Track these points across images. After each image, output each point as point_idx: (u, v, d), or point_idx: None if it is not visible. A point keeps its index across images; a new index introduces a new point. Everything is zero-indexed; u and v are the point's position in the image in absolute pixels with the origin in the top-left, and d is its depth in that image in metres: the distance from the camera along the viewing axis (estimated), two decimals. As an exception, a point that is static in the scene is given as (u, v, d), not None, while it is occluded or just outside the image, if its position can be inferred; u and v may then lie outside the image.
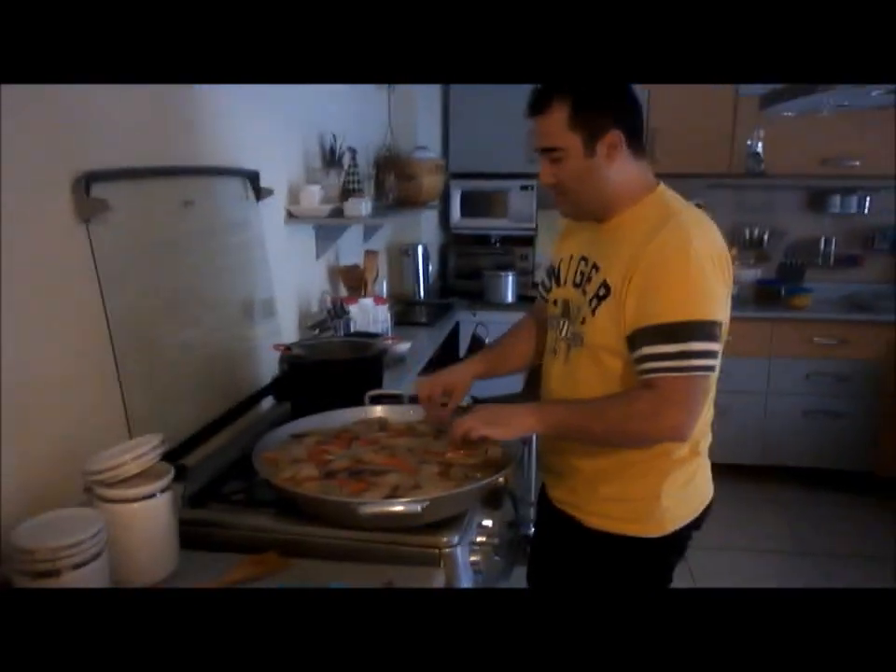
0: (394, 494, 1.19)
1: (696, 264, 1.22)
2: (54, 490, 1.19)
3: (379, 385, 1.77)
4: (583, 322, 1.35)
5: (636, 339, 1.25)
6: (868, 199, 3.92)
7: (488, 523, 1.38)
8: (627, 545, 1.37)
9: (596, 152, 1.30)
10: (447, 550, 1.19)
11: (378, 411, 1.56)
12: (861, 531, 3.31)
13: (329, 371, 1.65)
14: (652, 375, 1.22)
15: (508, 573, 1.50)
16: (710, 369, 1.23)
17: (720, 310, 1.25)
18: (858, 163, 3.66)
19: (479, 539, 1.32)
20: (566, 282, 1.43)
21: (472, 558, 1.27)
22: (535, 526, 1.63)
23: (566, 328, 1.41)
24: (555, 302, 1.46)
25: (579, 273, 1.39)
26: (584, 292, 1.36)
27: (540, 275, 1.63)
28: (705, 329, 1.21)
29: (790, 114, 2.83)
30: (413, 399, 1.57)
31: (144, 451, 1.13)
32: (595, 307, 1.32)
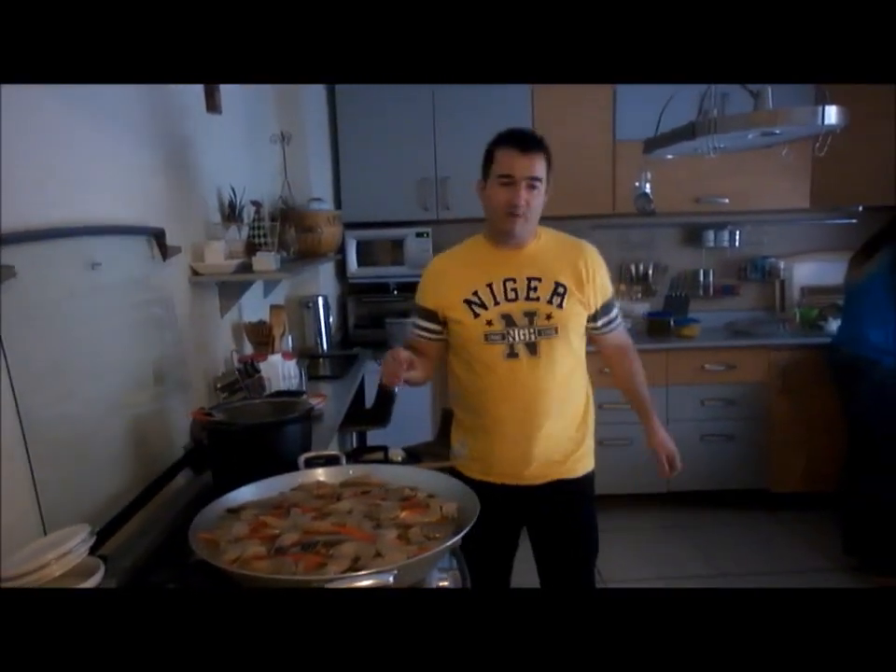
0: (355, 565, 1.10)
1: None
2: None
3: (309, 446, 1.68)
4: (549, 318, 1.80)
5: (600, 311, 1.90)
6: (738, 233, 4.22)
7: (446, 584, 1.32)
8: (592, 476, 1.95)
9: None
10: (414, 619, 1.12)
11: (317, 474, 1.47)
12: (764, 547, 3.47)
13: (259, 435, 1.54)
14: (620, 329, 1.97)
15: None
16: None
17: None
18: (727, 201, 3.94)
19: (440, 602, 1.25)
20: (497, 302, 1.80)
21: (437, 624, 1.21)
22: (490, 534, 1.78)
23: (520, 332, 1.80)
24: (490, 322, 1.80)
25: (510, 290, 1.80)
26: (533, 299, 1.80)
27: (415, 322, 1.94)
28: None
29: (670, 157, 3.01)
30: (352, 455, 1.49)
31: (70, 546, 1.00)
32: (560, 302, 1.80)
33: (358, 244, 4.02)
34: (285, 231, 2.76)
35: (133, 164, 1.77)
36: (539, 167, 1.73)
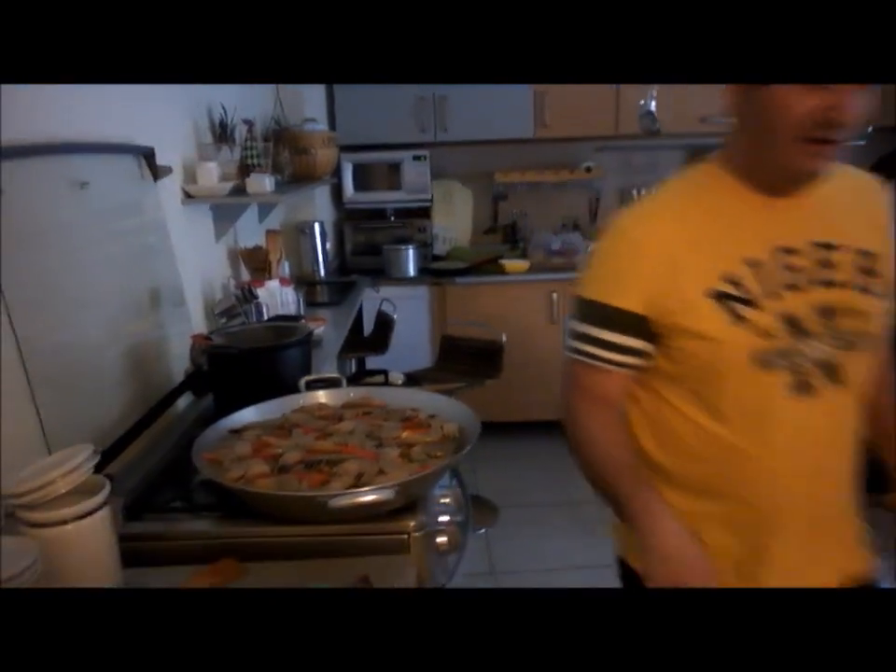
0: (358, 482, 1.11)
1: None
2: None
3: (308, 370, 1.68)
4: (860, 315, 1.03)
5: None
6: (742, 155, 4.12)
7: (447, 500, 1.34)
8: None
9: None
10: (417, 534, 1.14)
11: (318, 396, 1.47)
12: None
13: (259, 359, 1.54)
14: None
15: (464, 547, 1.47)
16: None
17: None
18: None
19: (442, 518, 1.28)
20: (774, 292, 1.01)
21: (439, 539, 1.23)
22: None
23: (815, 346, 1.01)
24: (767, 332, 1.00)
25: (789, 269, 1.01)
26: (828, 282, 1.01)
27: (585, 328, 1.07)
28: None
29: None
30: (351, 381, 1.49)
31: (74, 465, 1.00)
32: (871, 285, 1.03)
33: (355, 167, 3.93)
34: (278, 152, 2.69)
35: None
36: None
